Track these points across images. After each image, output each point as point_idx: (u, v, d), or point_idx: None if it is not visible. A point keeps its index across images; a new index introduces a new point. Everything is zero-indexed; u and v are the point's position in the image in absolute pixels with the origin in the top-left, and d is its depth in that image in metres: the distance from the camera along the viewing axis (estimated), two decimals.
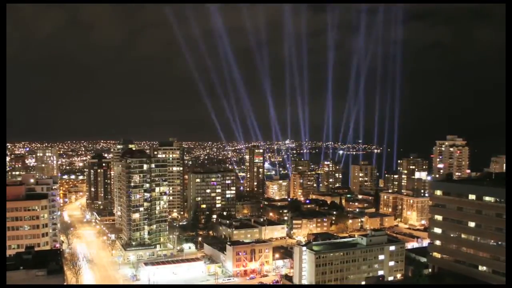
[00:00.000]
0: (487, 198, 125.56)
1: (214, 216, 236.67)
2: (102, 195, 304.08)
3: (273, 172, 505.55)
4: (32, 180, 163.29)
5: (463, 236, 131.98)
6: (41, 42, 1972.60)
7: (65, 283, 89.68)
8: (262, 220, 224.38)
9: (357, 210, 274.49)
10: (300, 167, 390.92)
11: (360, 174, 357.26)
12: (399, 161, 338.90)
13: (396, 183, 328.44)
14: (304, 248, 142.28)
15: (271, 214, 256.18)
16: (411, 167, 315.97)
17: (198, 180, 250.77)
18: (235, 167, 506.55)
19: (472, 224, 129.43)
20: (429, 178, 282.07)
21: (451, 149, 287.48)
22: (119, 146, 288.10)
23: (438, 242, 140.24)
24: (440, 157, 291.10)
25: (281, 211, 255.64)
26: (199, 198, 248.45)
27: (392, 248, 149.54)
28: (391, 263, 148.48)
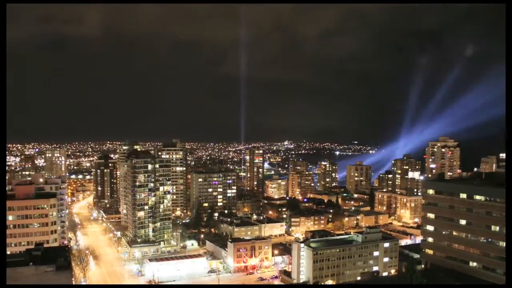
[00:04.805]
0: (477, 197, 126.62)
1: (216, 214, 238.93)
2: (108, 194, 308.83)
3: (272, 172, 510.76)
4: (41, 180, 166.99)
5: (454, 233, 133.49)
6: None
7: (72, 279, 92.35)
8: (261, 218, 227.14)
9: (353, 208, 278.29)
10: (298, 167, 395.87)
11: (356, 174, 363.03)
12: (393, 161, 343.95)
13: (390, 182, 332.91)
14: (302, 245, 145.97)
15: (270, 212, 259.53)
16: (404, 167, 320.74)
17: (200, 179, 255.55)
18: (236, 167, 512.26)
19: (463, 222, 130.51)
20: (422, 177, 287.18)
21: (443, 150, 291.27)
22: (124, 147, 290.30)
23: (430, 239, 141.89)
24: (433, 157, 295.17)
25: (280, 209, 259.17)
26: (201, 197, 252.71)
27: (386, 245, 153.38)
28: (386, 259, 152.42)
